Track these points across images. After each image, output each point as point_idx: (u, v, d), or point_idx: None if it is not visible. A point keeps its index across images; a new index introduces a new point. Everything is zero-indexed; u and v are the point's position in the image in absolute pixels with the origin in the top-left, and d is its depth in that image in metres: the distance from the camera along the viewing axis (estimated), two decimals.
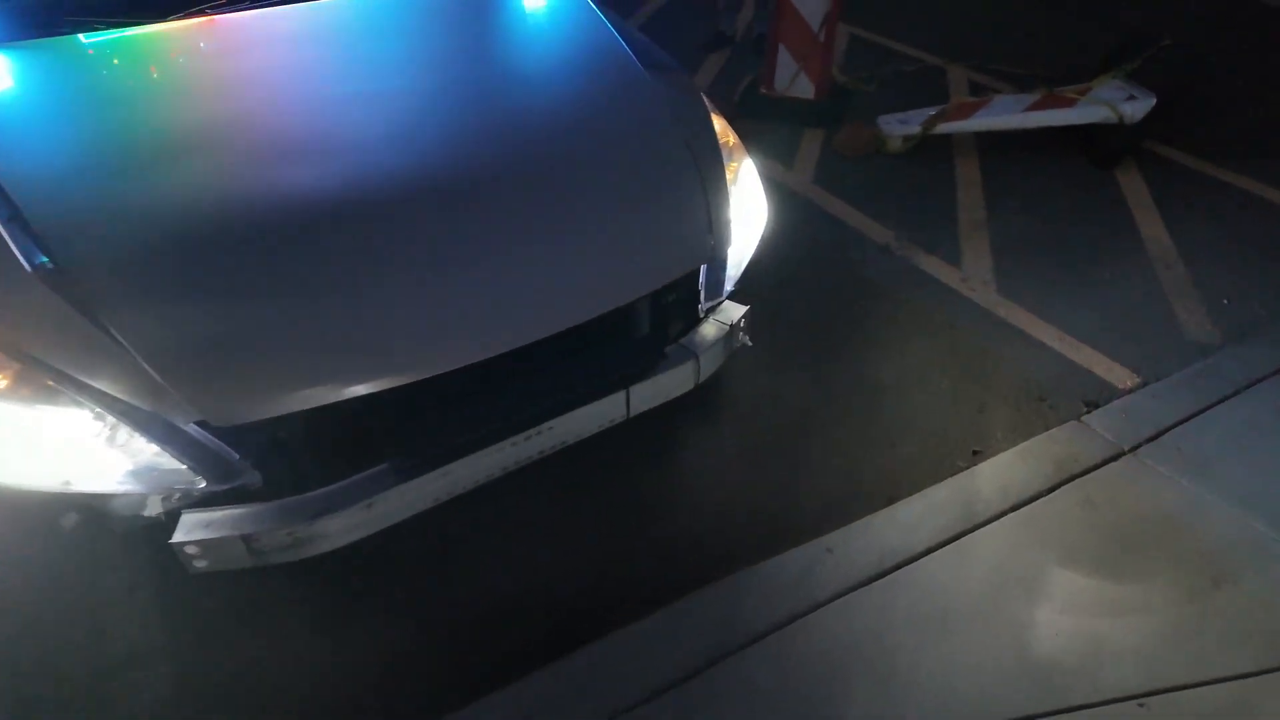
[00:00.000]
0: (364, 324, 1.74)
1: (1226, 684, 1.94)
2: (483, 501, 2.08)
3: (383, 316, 1.76)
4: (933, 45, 5.91)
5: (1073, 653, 2.02)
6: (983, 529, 2.34)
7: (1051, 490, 2.45)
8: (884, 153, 4.46)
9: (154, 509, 1.74)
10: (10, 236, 1.68)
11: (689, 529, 2.40)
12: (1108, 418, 2.72)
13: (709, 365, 2.21)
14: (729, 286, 2.28)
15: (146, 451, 1.66)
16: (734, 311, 2.30)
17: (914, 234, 3.78)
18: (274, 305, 1.71)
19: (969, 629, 2.08)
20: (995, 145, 4.49)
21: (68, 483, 1.65)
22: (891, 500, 2.45)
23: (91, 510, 1.88)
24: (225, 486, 1.71)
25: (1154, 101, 4.09)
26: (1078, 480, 2.48)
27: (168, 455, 1.65)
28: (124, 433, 1.64)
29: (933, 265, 3.57)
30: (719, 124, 2.43)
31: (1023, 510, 2.40)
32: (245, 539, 1.68)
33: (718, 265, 2.21)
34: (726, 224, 2.17)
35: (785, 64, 4.76)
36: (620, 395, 2.04)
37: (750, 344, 2.40)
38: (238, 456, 1.71)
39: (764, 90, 4.93)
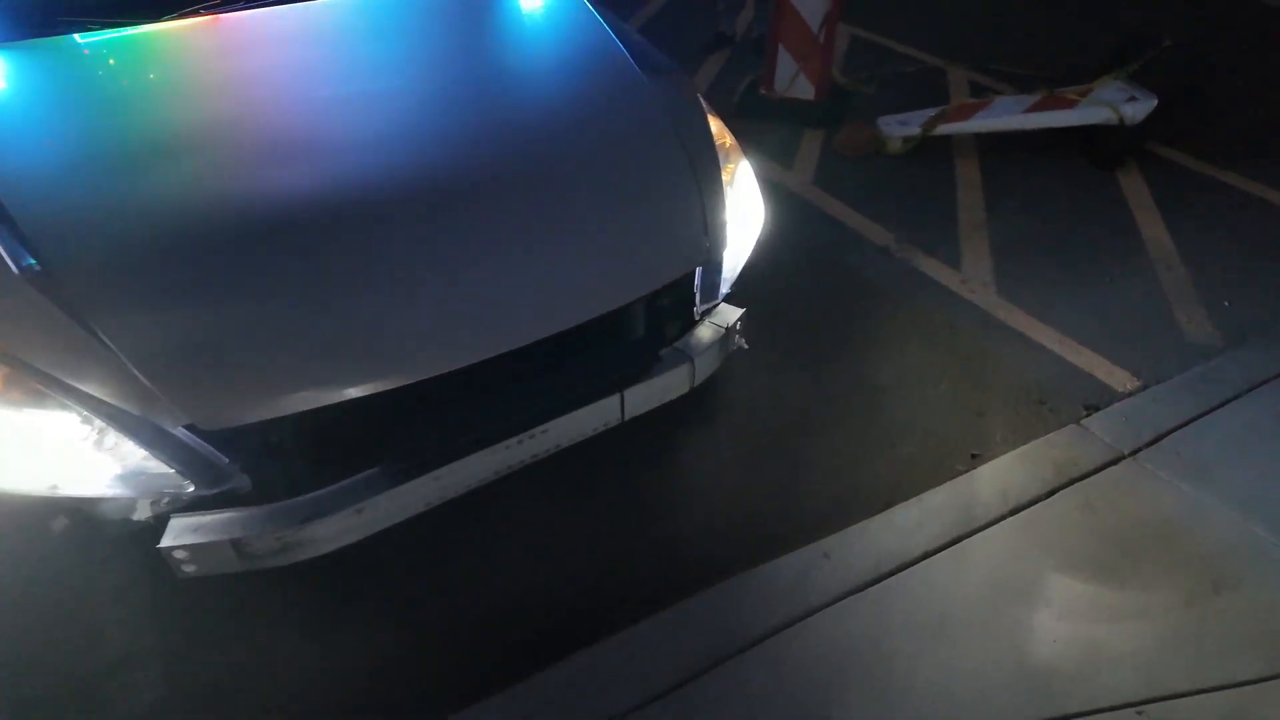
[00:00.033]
0: (355, 326, 1.73)
1: (1226, 691, 1.93)
2: (477, 504, 2.07)
3: (374, 319, 1.75)
4: (933, 46, 5.89)
5: (1071, 659, 2.00)
6: (981, 533, 2.33)
7: (1050, 494, 2.43)
8: (884, 154, 4.45)
9: (143, 513, 1.73)
10: None
11: (686, 532, 2.38)
12: (1107, 421, 2.70)
13: (704, 368, 2.19)
14: (725, 289, 2.27)
15: (135, 455, 1.64)
16: (730, 314, 2.28)
17: (914, 235, 3.76)
18: (264, 308, 1.69)
19: (967, 635, 2.06)
20: (995, 146, 4.47)
21: (55, 487, 1.63)
22: (889, 504, 2.43)
23: (81, 514, 1.86)
24: (214, 491, 1.69)
25: (1155, 103, 4.07)
26: (1077, 484, 2.47)
27: (156, 459, 1.64)
28: (112, 436, 1.62)
29: (932, 267, 3.55)
30: (716, 125, 2.41)
31: (1021, 514, 2.38)
32: (234, 543, 1.67)
33: (713, 268, 2.19)
34: (722, 226, 2.16)
35: (785, 64, 4.74)
36: (615, 398, 2.02)
37: (746, 347, 2.38)
38: (227, 460, 1.70)
39: (764, 91, 4.91)
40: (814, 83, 4.76)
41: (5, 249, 1.64)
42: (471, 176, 1.99)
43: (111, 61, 2.23)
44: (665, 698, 1.92)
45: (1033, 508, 2.39)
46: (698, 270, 2.16)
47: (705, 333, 2.22)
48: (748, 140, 4.47)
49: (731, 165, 2.35)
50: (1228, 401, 2.76)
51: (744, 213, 2.30)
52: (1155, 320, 3.24)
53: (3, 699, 1.95)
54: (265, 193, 1.85)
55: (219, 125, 2.04)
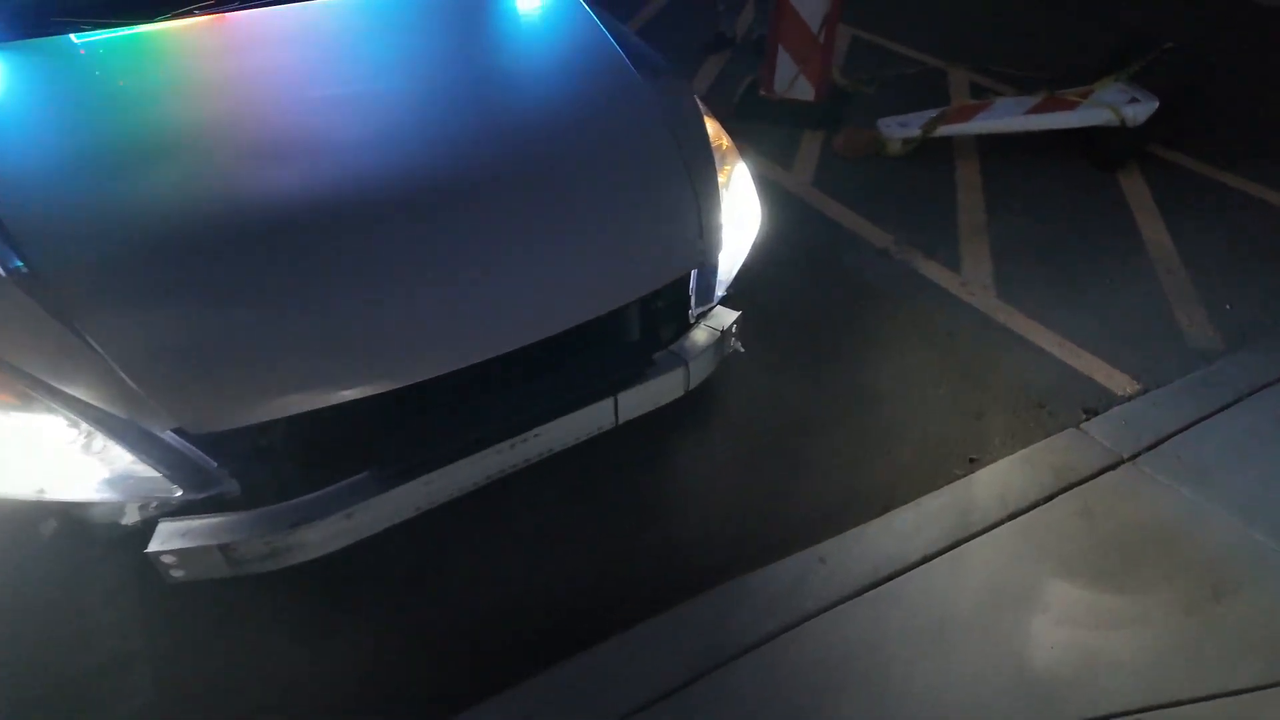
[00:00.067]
0: (346, 329, 1.71)
1: (1226, 699, 1.90)
2: (473, 506, 2.05)
3: (365, 322, 1.73)
4: (934, 47, 5.87)
5: (1069, 666, 1.98)
6: (979, 538, 2.31)
7: (1049, 499, 2.41)
8: (884, 155, 4.43)
9: (131, 517, 1.71)
10: None
11: (682, 536, 2.36)
12: (1107, 425, 2.68)
13: (699, 372, 2.17)
14: (720, 292, 2.25)
15: (122, 459, 1.63)
16: (726, 317, 2.27)
17: (913, 237, 3.74)
18: (252, 310, 1.68)
19: (964, 641, 2.04)
20: (996, 148, 4.45)
21: (42, 490, 1.62)
22: (887, 508, 2.41)
23: (70, 517, 1.85)
24: (202, 495, 1.68)
25: (1156, 104, 4.05)
26: (1076, 489, 2.44)
27: (143, 463, 1.62)
28: (99, 440, 1.61)
29: (932, 269, 3.53)
30: (712, 127, 2.39)
31: (1020, 519, 2.36)
32: (222, 548, 1.65)
33: (709, 270, 2.17)
34: (718, 228, 2.14)
35: (785, 66, 4.73)
36: (608, 402, 2.01)
37: (742, 350, 2.36)
38: (215, 464, 1.68)
39: (763, 92, 4.90)
40: (814, 84, 4.74)
41: None
42: (465, 178, 1.98)
43: (106, 62, 2.22)
44: (661, 702, 1.90)
45: (1031, 512, 2.37)
46: (693, 273, 2.14)
47: (700, 336, 2.20)
48: (747, 141, 4.51)
49: (728, 167, 2.33)
50: (1228, 405, 2.74)
51: (740, 215, 2.28)
52: (1156, 323, 3.22)
53: None
54: (256, 194, 1.84)
55: (211, 126, 2.03)
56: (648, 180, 2.14)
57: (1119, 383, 2.91)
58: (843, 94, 5.12)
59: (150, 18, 2.34)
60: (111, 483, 1.64)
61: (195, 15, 2.39)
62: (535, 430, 1.92)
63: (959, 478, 2.52)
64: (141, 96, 2.13)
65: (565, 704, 1.92)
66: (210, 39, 2.37)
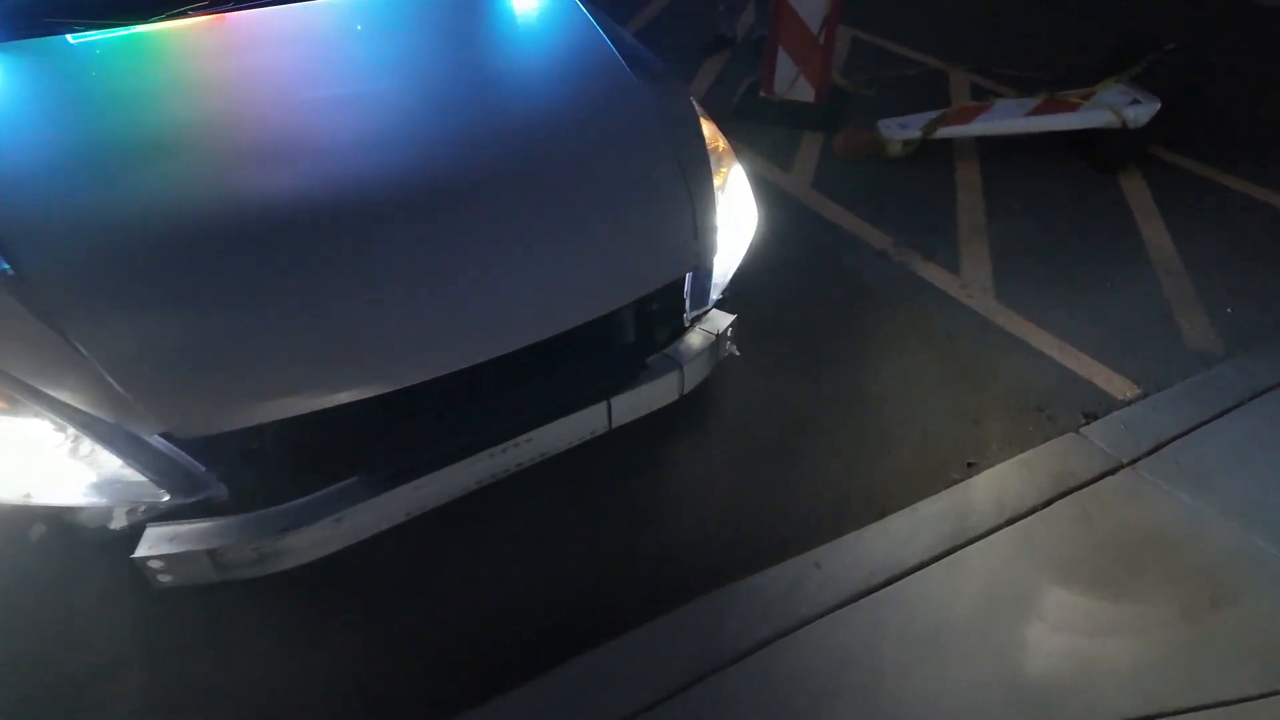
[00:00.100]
0: (335, 332, 1.70)
1: (1224, 708, 1.89)
2: (467, 510, 2.04)
3: (356, 325, 1.72)
4: (934, 48, 5.84)
5: (1066, 673, 1.97)
6: (976, 544, 2.29)
7: (1047, 504, 2.39)
8: (884, 157, 4.40)
9: (119, 521, 1.70)
10: None
11: (678, 540, 2.35)
12: (1106, 429, 2.66)
13: (694, 376, 2.16)
14: (715, 295, 2.24)
15: (110, 463, 1.62)
16: (721, 320, 2.25)
17: (912, 239, 3.72)
18: (242, 314, 1.67)
19: (960, 647, 2.03)
20: (996, 149, 4.42)
21: (28, 495, 1.61)
22: (883, 513, 2.39)
23: (59, 521, 1.83)
24: (190, 500, 1.67)
25: (1158, 106, 4.02)
26: (1074, 494, 2.43)
27: (130, 467, 1.61)
28: (86, 444, 1.60)
29: (931, 271, 3.51)
30: (708, 129, 2.37)
31: (1018, 524, 2.34)
32: (210, 554, 1.64)
33: (703, 274, 2.16)
34: (713, 231, 2.12)
35: (785, 67, 4.71)
36: (601, 406, 1.99)
37: (738, 354, 2.35)
38: (203, 469, 1.67)
39: (763, 93, 4.88)
40: (814, 85, 4.72)
41: None
42: (457, 181, 1.96)
43: (99, 63, 2.22)
44: (656, 708, 1.89)
45: (1029, 518, 2.36)
46: (687, 276, 2.12)
47: (695, 339, 2.19)
48: (747, 142, 4.50)
49: (724, 169, 2.32)
50: (1229, 410, 2.72)
51: (736, 217, 2.27)
52: (1156, 326, 3.20)
53: None
54: (246, 196, 1.82)
55: (202, 128, 2.02)
56: (642, 183, 2.12)
57: (1119, 386, 2.89)
58: (843, 95, 5.10)
59: (146, 18, 2.32)
60: (99, 487, 1.63)
61: (190, 16, 2.38)
62: (527, 435, 1.91)
63: (956, 482, 2.50)
64: (134, 97, 2.12)
65: (558, 709, 1.90)
66: (204, 40, 2.37)
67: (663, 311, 2.16)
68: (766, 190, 4.13)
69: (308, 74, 2.26)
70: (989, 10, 6.63)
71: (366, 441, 1.80)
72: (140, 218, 1.75)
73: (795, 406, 2.80)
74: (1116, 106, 4.06)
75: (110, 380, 1.55)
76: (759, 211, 2.39)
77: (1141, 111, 4.04)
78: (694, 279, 2.15)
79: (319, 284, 1.72)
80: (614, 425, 2.06)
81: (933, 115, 4.33)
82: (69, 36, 2.26)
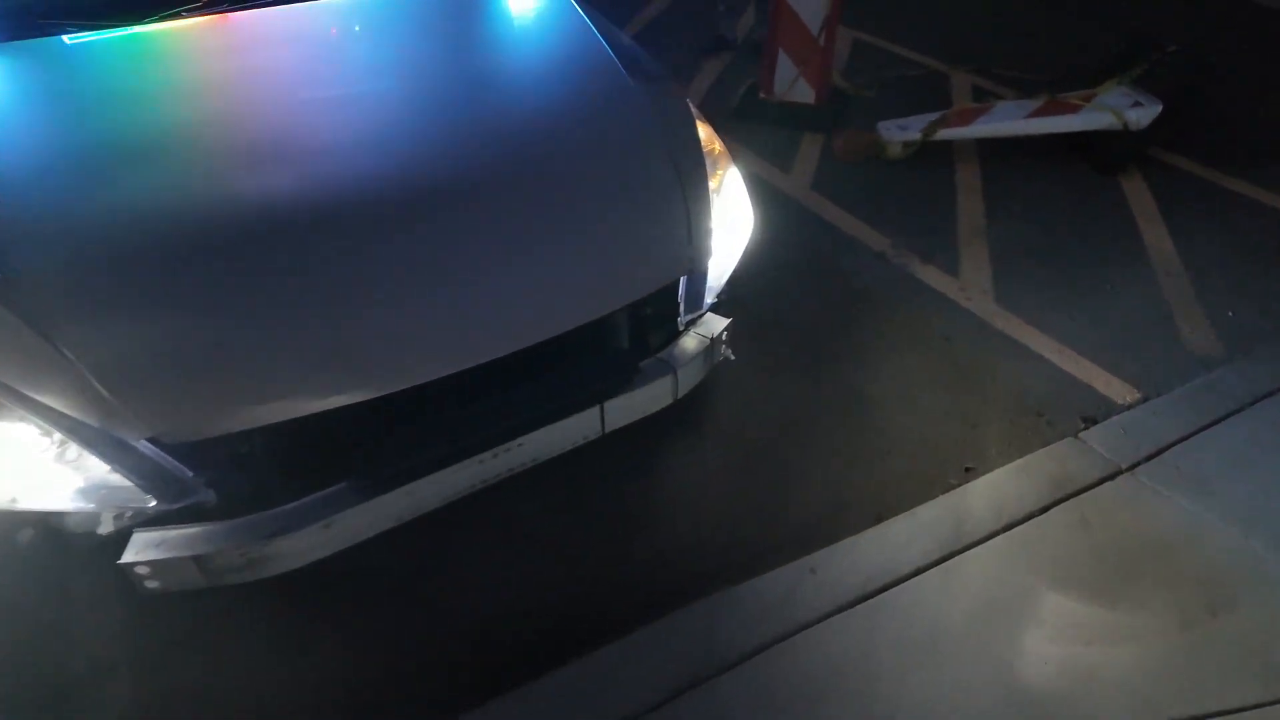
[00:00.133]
0: (325, 337, 1.68)
1: (1224, 717, 1.87)
2: (460, 514, 2.01)
3: (345, 329, 1.70)
4: (935, 49, 5.82)
5: (1063, 682, 1.95)
6: (973, 550, 2.27)
7: (1045, 510, 2.38)
8: (884, 158, 4.38)
9: (106, 526, 1.68)
10: None
11: (672, 545, 2.33)
12: (1106, 434, 2.64)
13: (688, 380, 2.14)
14: (710, 299, 2.22)
15: (97, 469, 1.60)
16: (716, 324, 2.23)
17: (911, 241, 3.70)
18: (230, 318, 1.65)
19: (956, 655, 2.01)
20: (997, 151, 4.40)
21: (14, 500, 1.60)
22: (880, 518, 2.37)
23: (47, 526, 1.82)
24: (178, 505, 1.65)
25: (1160, 108, 4.00)
26: (1073, 499, 2.41)
27: (117, 472, 1.59)
28: (73, 449, 1.58)
29: (929, 274, 3.49)
30: (704, 131, 2.35)
31: (1015, 530, 2.32)
32: (197, 560, 1.62)
33: (698, 277, 2.13)
34: (708, 235, 2.11)
35: (785, 68, 4.69)
36: (594, 411, 1.97)
37: (733, 358, 2.33)
38: (191, 474, 1.65)
39: (763, 94, 4.86)
40: (814, 86, 4.70)
41: None
42: (450, 184, 1.94)
43: (91, 64, 2.21)
44: (649, 714, 1.88)
45: (1027, 523, 2.34)
46: (682, 280, 2.10)
47: (690, 343, 2.17)
48: (746, 144, 4.48)
49: (720, 172, 2.30)
50: (1230, 414, 2.70)
51: (732, 221, 2.25)
52: (1157, 330, 3.18)
53: None
54: (236, 199, 1.81)
55: (193, 130, 2.00)
56: (637, 186, 2.10)
57: (1118, 391, 2.87)
58: (843, 96, 5.08)
59: (143, 19, 2.31)
60: (85, 492, 1.62)
61: (186, 17, 2.37)
62: (519, 440, 1.89)
63: (954, 487, 2.49)
64: (126, 99, 2.10)
65: (552, 714, 1.89)
66: (199, 41, 2.35)
67: (657, 315, 2.14)
68: (765, 192, 4.11)
69: (300, 76, 2.24)
70: (989, 10, 6.61)
71: (356, 446, 1.78)
72: (128, 220, 1.73)
73: (792, 409, 2.79)
74: (1118, 108, 4.03)
75: (96, 385, 1.53)
76: (757, 213, 2.37)
77: (1143, 114, 4.02)
78: (688, 282, 2.13)
79: (309, 288, 1.70)
80: (607, 430, 2.04)
81: (933, 117, 4.31)
82: (65, 37, 2.25)
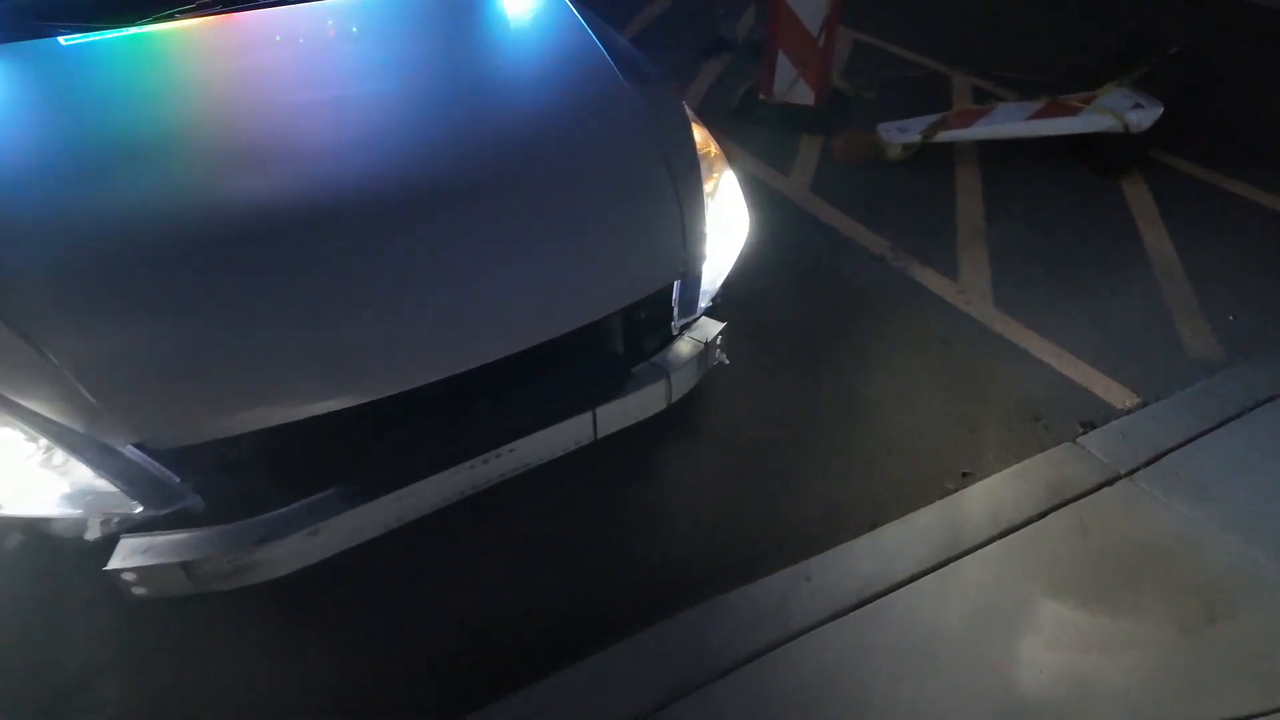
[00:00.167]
0: (314, 341, 1.67)
1: None
2: (449, 520, 2.00)
3: (334, 333, 1.69)
4: (936, 50, 5.80)
5: (1059, 690, 1.93)
6: (970, 556, 2.25)
7: (1043, 515, 2.35)
8: (883, 160, 4.36)
9: (94, 532, 1.67)
10: None
11: (665, 551, 2.31)
12: (1104, 439, 2.62)
13: (682, 385, 2.12)
14: (705, 303, 2.20)
15: (83, 474, 1.59)
16: (710, 328, 2.22)
17: (910, 244, 3.68)
18: (217, 323, 1.63)
19: (952, 663, 1.99)
20: (997, 153, 4.38)
21: (0, 505, 1.58)
22: (875, 524, 2.35)
23: (35, 532, 1.81)
24: (164, 511, 1.64)
25: (1160, 110, 3.98)
26: (1071, 505, 2.39)
27: (103, 478, 1.58)
28: (59, 455, 1.57)
29: (928, 276, 3.47)
30: (700, 134, 2.34)
31: (1012, 536, 2.30)
32: (184, 566, 1.61)
33: (692, 281, 2.12)
34: (702, 239, 2.09)
35: (784, 69, 4.67)
36: (586, 416, 1.96)
37: (727, 362, 2.31)
38: (178, 480, 1.64)
39: (762, 96, 4.84)
40: (813, 88, 4.69)
41: None
42: (441, 187, 1.92)
43: (87, 65, 2.19)
44: None
45: (1024, 529, 2.32)
46: (676, 284, 2.09)
47: (684, 348, 2.15)
48: (745, 145, 4.47)
49: (716, 175, 2.28)
50: (1230, 419, 2.68)
51: (727, 224, 2.23)
52: (1157, 334, 3.16)
53: None
54: (224, 202, 1.79)
55: (182, 132, 1.99)
56: (630, 190, 2.08)
57: (1117, 395, 2.85)
58: (843, 98, 5.06)
59: (138, 20, 2.30)
60: (71, 498, 1.61)
61: (181, 18, 2.36)
62: (510, 445, 1.87)
63: (951, 492, 2.46)
64: (119, 100, 2.09)
65: None
66: (193, 42, 2.34)
67: (651, 319, 2.13)
68: (764, 193, 4.10)
69: (292, 78, 2.23)
70: (989, 10, 6.60)
71: (345, 452, 1.76)
72: (116, 223, 1.71)
73: (789, 412, 2.77)
74: (1118, 110, 4.01)
75: (82, 390, 1.52)
76: (756, 215, 2.35)
77: (1144, 116, 4.00)
78: (682, 286, 2.11)
79: (297, 292, 1.69)
80: (600, 435, 2.03)
81: (933, 119, 4.30)
82: (60, 38, 2.24)
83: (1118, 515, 2.35)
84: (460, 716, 1.85)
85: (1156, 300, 3.34)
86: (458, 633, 2.10)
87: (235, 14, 2.42)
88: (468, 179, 1.95)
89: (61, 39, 2.24)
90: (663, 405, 2.11)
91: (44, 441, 1.55)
